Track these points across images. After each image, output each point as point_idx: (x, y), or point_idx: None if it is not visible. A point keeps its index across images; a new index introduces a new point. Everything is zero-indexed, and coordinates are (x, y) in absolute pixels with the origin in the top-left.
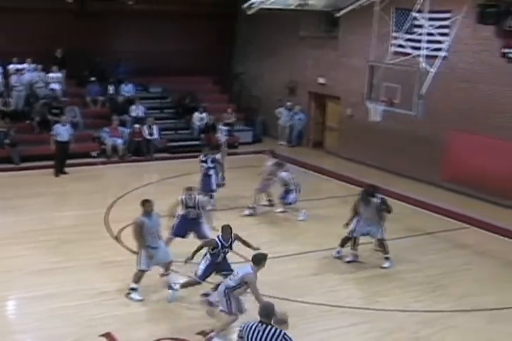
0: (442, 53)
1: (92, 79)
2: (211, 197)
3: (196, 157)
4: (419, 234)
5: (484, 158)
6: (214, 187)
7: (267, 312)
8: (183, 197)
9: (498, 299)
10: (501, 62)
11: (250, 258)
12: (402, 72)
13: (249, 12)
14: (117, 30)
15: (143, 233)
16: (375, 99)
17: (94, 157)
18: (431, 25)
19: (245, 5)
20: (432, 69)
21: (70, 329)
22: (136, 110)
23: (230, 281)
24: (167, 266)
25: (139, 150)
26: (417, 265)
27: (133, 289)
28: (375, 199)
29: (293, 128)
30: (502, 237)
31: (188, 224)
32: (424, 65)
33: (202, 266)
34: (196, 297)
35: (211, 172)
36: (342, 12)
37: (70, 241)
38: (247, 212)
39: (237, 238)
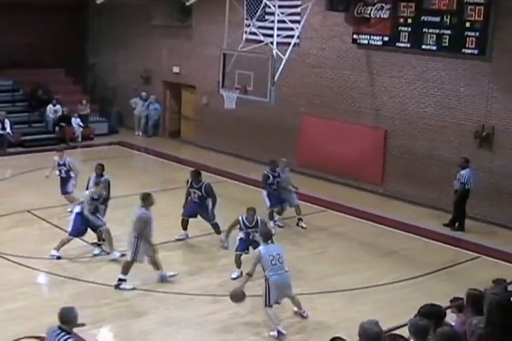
0: (294, 40)
1: None
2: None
3: (51, 150)
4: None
5: (334, 141)
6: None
7: (68, 317)
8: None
9: (354, 279)
10: (351, 47)
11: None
12: (255, 59)
13: (99, 1)
14: None
15: (147, 228)
16: (229, 86)
17: None
18: (282, 13)
19: None
20: (284, 56)
21: None
22: None
23: (284, 262)
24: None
25: None
26: None
27: (121, 280)
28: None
29: (149, 118)
30: (356, 218)
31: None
32: (276, 51)
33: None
34: (56, 293)
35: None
36: (192, 0)
37: None
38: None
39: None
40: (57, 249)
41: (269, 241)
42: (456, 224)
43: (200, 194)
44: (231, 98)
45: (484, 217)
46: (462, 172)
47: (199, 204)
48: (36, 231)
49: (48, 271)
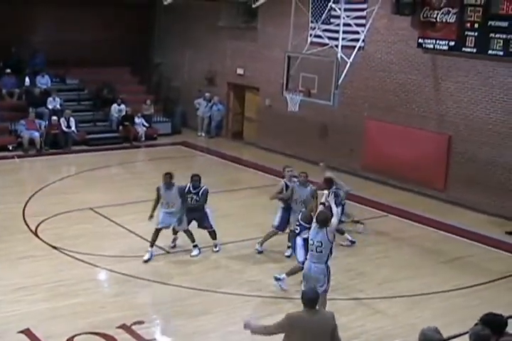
0: (359, 44)
1: (8, 71)
2: None
3: (115, 149)
4: None
5: (397, 146)
6: None
7: None
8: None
9: (415, 285)
10: (416, 52)
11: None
12: (319, 62)
13: (166, 2)
14: (32, 19)
15: (159, 198)
16: (293, 89)
17: (10, 150)
18: (348, 16)
19: None
20: (348, 60)
21: None
22: (53, 102)
23: (322, 254)
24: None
25: (56, 143)
26: (335, 253)
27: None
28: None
29: (212, 119)
30: (417, 224)
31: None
32: (341, 55)
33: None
34: (115, 290)
35: None
36: (258, 2)
37: None
38: None
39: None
40: (261, 243)
41: (321, 227)
42: None
43: (197, 199)
44: (295, 100)
45: None
46: None
47: (196, 210)
48: (98, 228)
49: (108, 269)
